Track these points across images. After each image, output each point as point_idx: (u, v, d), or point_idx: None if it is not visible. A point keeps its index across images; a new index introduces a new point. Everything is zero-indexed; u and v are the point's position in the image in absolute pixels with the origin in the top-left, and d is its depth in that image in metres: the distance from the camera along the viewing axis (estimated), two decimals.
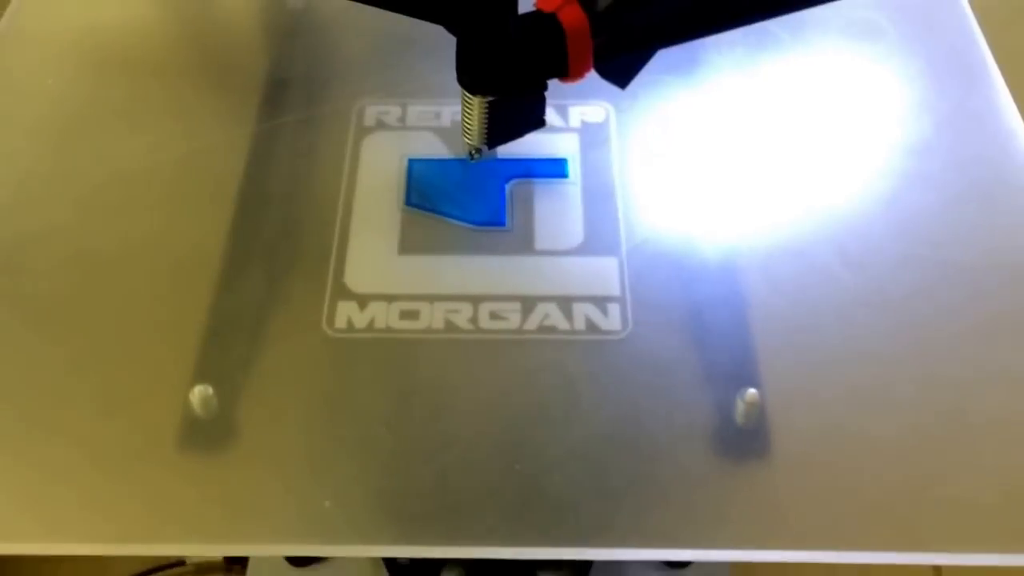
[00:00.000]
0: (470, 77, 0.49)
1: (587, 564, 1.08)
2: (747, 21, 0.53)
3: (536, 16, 0.48)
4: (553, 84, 0.50)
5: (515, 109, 0.52)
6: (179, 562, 1.21)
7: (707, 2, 0.50)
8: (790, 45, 0.65)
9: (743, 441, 0.48)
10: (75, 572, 1.07)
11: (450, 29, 0.48)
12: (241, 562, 1.19)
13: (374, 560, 1.00)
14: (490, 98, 0.50)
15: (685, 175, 0.58)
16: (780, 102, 0.62)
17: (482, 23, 0.47)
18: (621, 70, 0.51)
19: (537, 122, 0.53)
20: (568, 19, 0.47)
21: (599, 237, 0.55)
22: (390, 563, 1.00)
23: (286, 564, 1.05)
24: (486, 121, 0.51)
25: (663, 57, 0.52)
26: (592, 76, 0.49)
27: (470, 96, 0.50)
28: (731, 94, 0.62)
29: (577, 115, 0.61)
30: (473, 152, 0.54)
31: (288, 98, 0.62)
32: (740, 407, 0.48)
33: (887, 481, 0.46)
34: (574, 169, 0.59)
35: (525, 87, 0.50)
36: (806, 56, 0.65)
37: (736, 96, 0.62)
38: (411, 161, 0.59)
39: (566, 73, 0.49)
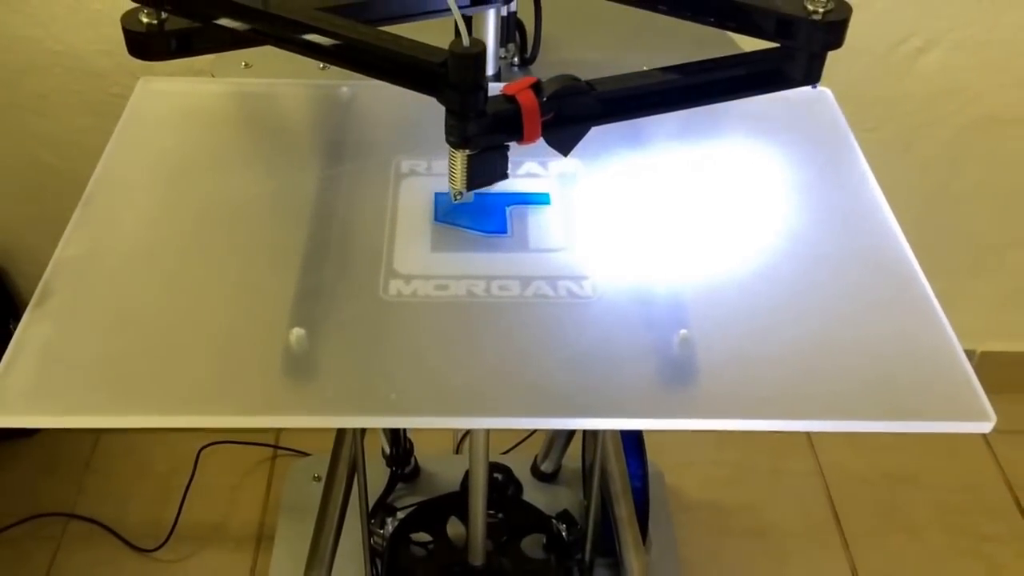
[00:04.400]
0: (454, 137, 0.69)
1: None
2: (658, 111, 0.77)
3: (502, 96, 0.69)
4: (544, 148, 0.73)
5: (486, 162, 0.72)
6: None
7: (619, 100, 0.73)
8: (709, 123, 0.90)
9: (677, 362, 0.69)
10: None
11: (441, 101, 0.68)
12: None
13: None
14: (469, 152, 0.70)
15: (633, 201, 0.82)
16: (699, 159, 0.87)
17: (463, 100, 0.67)
18: (563, 140, 0.73)
19: (502, 174, 0.73)
20: (524, 100, 0.69)
21: (572, 241, 0.78)
22: None
23: None
24: (466, 170, 0.71)
25: (616, 130, 0.76)
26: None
27: (454, 152, 0.70)
28: (666, 152, 0.87)
29: (556, 166, 0.85)
30: (456, 195, 0.74)
31: (344, 154, 0.85)
32: (676, 341, 0.69)
33: (776, 382, 0.67)
34: (554, 199, 0.82)
35: (493, 145, 0.71)
36: (720, 130, 0.89)
37: (670, 153, 0.87)
38: (437, 194, 0.81)
39: (521, 138, 0.70)
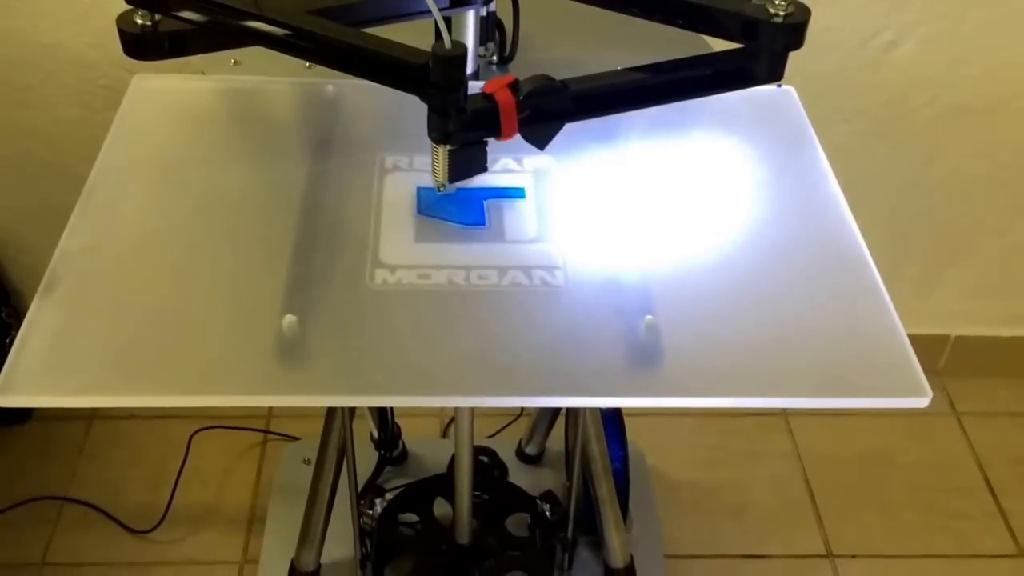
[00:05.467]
0: (436, 133, 0.73)
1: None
2: (629, 108, 0.81)
3: (481, 95, 0.73)
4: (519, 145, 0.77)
5: (467, 157, 0.75)
6: None
7: (591, 98, 0.77)
8: (677, 121, 0.94)
9: (644, 345, 0.73)
10: None
11: (423, 100, 0.72)
12: None
13: None
14: (450, 147, 0.74)
15: (604, 196, 0.87)
16: (668, 156, 0.91)
17: (445, 98, 0.71)
18: (539, 136, 0.77)
19: (481, 167, 0.77)
20: (501, 99, 0.73)
21: (546, 232, 0.83)
22: None
23: None
24: (447, 164, 0.75)
25: (588, 128, 0.80)
26: None
27: (436, 147, 0.74)
28: (635, 150, 0.91)
29: (531, 162, 0.89)
30: (440, 187, 0.79)
31: (330, 151, 0.90)
32: (642, 327, 0.74)
33: (734, 363, 0.72)
34: (528, 193, 0.87)
35: (472, 140, 0.75)
36: (687, 128, 0.94)
37: (639, 151, 0.91)
38: (419, 188, 0.86)
39: (499, 134, 0.74)
